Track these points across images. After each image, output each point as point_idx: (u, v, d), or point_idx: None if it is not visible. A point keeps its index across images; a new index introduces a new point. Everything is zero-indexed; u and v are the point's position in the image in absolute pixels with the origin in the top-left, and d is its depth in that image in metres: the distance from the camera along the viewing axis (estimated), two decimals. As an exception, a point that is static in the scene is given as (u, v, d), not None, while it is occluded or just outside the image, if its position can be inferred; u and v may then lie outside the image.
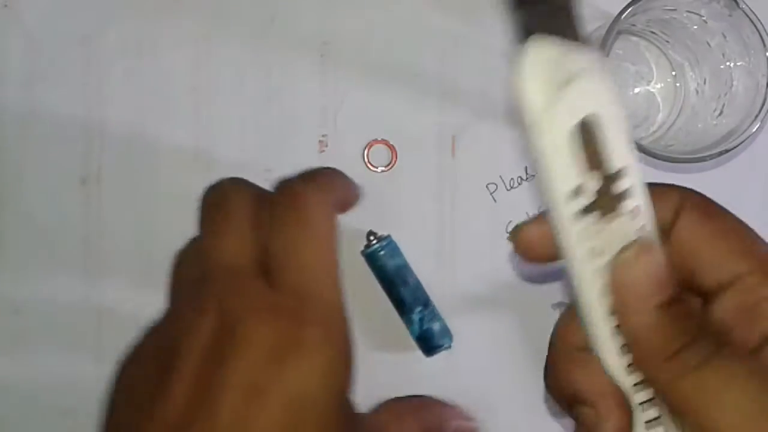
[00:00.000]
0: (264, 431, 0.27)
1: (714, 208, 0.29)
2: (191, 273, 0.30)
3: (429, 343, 0.39)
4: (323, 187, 0.31)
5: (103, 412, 0.29)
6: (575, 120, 0.23)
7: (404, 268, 0.39)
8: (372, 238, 0.39)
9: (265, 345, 0.27)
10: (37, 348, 0.39)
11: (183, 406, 0.27)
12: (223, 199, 0.31)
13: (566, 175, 0.23)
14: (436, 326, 0.39)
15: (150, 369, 0.29)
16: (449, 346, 0.40)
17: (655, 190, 0.27)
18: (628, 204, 0.24)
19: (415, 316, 0.39)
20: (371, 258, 0.39)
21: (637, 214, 0.25)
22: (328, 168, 0.34)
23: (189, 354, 0.28)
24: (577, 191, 0.24)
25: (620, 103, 0.23)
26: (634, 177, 0.24)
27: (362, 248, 0.39)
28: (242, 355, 0.27)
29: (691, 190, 0.29)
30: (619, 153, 0.24)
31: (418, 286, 0.39)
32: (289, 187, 0.31)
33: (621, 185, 0.24)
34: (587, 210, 0.24)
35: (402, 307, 0.39)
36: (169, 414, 0.27)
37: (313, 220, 0.30)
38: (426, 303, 0.39)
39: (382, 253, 0.39)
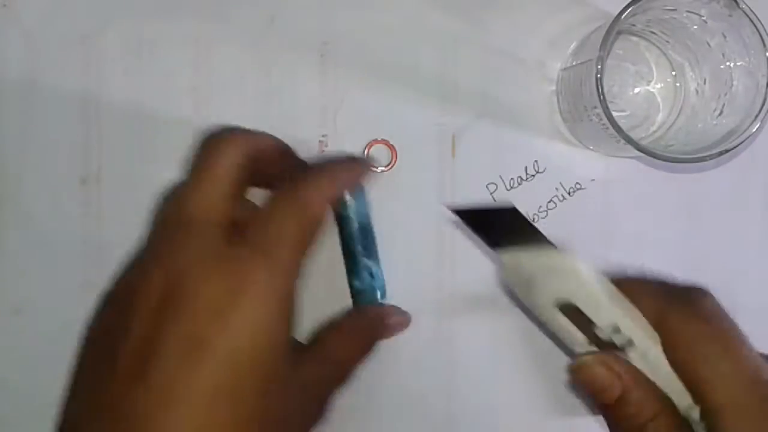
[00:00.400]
0: (205, 382, 0.28)
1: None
2: (166, 218, 0.32)
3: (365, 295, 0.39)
4: (324, 185, 0.33)
5: (76, 361, 0.31)
6: (551, 302, 0.29)
7: (366, 218, 0.39)
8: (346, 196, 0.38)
9: (208, 297, 0.29)
10: (37, 348, 0.39)
11: (132, 359, 0.29)
12: (213, 150, 0.32)
13: (571, 334, 0.30)
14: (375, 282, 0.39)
15: (111, 318, 0.31)
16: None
17: (642, 303, 0.31)
18: (618, 339, 0.30)
19: (363, 270, 0.39)
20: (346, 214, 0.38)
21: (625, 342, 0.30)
22: (336, 162, 0.35)
23: (140, 306, 0.29)
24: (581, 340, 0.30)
25: (591, 278, 0.30)
26: (622, 323, 0.30)
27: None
28: (185, 309, 0.29)
29: (677, 294, 0.32)
30: (604, 314, 0.29)
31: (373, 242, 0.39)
32: (293, 184, 0.32)
33: (613, 337, 0.30)
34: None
35: (353, 259, 0.39)
36: (121, 367, 0.29)
37: (304, 205, 0.31)
38: (369, 256, 0.39)
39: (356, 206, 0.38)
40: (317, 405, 0.33)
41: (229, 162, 0.32)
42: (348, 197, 0.38)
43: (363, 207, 0.38)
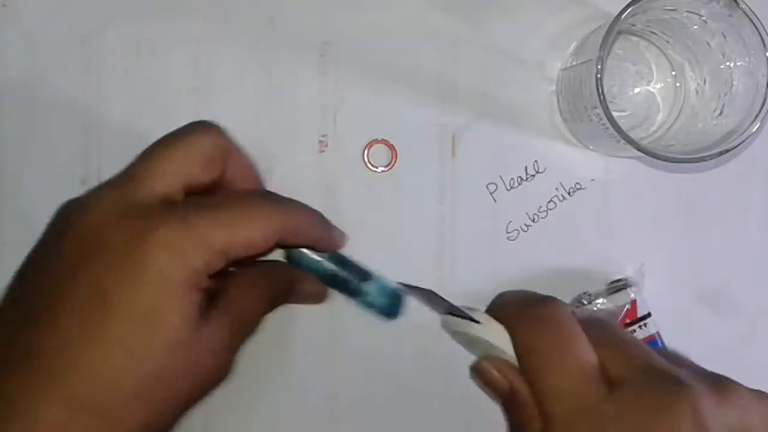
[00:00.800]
0: (99, 333, 0.29)
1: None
2: (121, 175, 0.33)
3: (396, 299, 0.39)
4: (285, 218, 0.33)
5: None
6: (479, 353, 0.36)
7: (335, 258, 0.38)
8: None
9: (117, 247, 0.29)
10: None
11: (36, 298, 0.30)
12: (186, 134, 0.33)
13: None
14: (390, 284, 0.39)
15: (36, 253, 0.32)
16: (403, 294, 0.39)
17: None
18: None
19: (371, 286, 0.38)
20: (307, 263, 0.38)
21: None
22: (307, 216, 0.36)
23: (62, 250, 0.30)
24: None
25: (495, 339, 0.34)
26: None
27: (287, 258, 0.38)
28: (96, 257, 0.29)
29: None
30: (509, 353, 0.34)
31: (356, 263, 0.39)
32: (264, 197, 0.35)
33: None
34: None
35: (353, 286, 0.38)
36: (23, 305, 0.30)
37: (254, 216, 0.32)
38: (368, 273, 0.39)
39: (316, 257, 0.38)
40: (223, 361, 0.33)
41: (198, 146, 0.33)
42: (306, 252, 0.37)
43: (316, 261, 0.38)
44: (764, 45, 0.34)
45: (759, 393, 0.32)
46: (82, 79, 0.40)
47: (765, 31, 0.34)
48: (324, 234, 0.37)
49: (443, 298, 0.35)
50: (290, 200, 0.35)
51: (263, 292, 0.35)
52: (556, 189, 0.41)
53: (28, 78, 0.40)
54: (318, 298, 0.39)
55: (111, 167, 0.40)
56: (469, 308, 0.35)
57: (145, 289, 0.29)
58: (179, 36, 0.40)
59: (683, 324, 0.41)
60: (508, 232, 0.41)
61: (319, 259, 0.37)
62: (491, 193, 0.41)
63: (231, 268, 0.33)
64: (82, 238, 0.30)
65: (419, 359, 0.40)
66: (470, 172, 0.41)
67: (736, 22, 0.35)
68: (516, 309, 0.34)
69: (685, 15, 0.36)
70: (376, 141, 0.40)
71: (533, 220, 0.41)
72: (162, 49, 0.40)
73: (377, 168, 0.40)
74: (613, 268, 0.41)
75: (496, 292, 0.40)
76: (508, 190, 0.41)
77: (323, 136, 0.40)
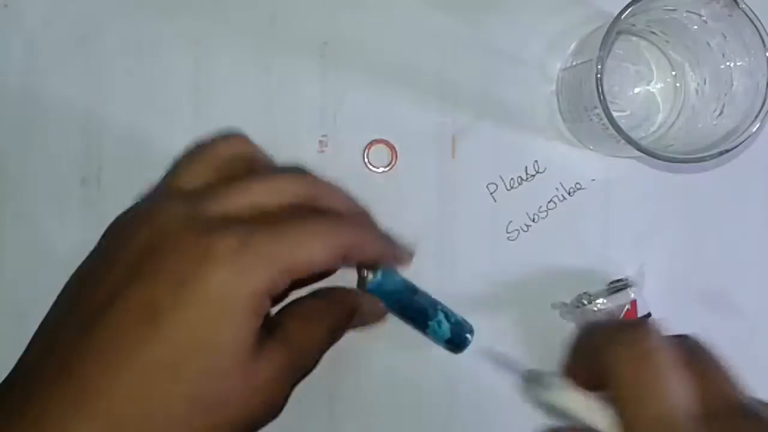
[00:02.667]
0: (146, 350, 0.27)
1: None
2: (175, 183, 0.32)
3: (462, 332, 0.39)
4: (352, 238, 0.32)
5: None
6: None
7: (405, 281, 0.38)
8: (364, 272, 0.37)
9: (176, 263, 0.28)
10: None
11: (88, 311, 0.28)
12: (209, 144, 0.33)
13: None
14: (458, 317, 0.39)
15: (92, 264, 0.31)
16: (472, 331, 0.39)
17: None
18: None
19: (440, 316, 0.38)
20: (376, 291, 0.37)
21: None
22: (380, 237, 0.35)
23: (117, 260, 0.29)
24: None
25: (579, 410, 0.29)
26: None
27: (359, 284, 0.37)
28: (154, 271, 0.28)
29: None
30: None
31: (424, 292, 0.39)
32: (326, 218, 0.32)
33: None
34: None
35: (423, 315, 0.38)
36: (76, 316, 0.29)
37: (315, 235, 0.30)
38: (436, 303, 0.39)
39: (381, 280, 0.37)
40: (276, 396, 0.31)
41: (219, 154, 0.33)
42: (370, 274, 0.36)
43: (392, 283, 0.37)
44: (764, 45, 0.34)
45: None
46: (82, 79, 0.40)
47: (765, 31, 0.34)
48: (388, 249, 0.35)
49: (514, 361, 0.33)
50: (355, 216, 0.34)
51: (323, 323, 0.33)
52: (556, 189, 0.41)
53: (29, 78, 0.40)
54: (379, 317, 0.37)
55: (111, 167, 0.40)
56: (544, 372, 0.32)
57: (201, 307, 0.27)
58: (179, 36, 0.40)
59: (683, 324, 0.41)
60: (508, 232, 0.41)
61: (383, 282, 0.37)
62: (491, 193, 0.41)
63: (290, 299, 0.32)
64: (140, 249, 0.29)
65: (420, 359, 0.40)
66: (470, 172, 0.41)
67: (736, 22, 0.34)
68: (606, 337, 0.29)
69: (685, 15, 0.36)
70: (376, 141, 0.40)
71: (533, 220, 0.41)
72: (162, 49, 0.40)
73: (377, 168, 0.40)
74: (613, 267, 0.41)
75: (496, 293, 0.40)
76: (508, 190, 0.41)
77: (323, 136, 0.40)
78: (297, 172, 0.33)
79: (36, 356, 0.29)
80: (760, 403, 0.29)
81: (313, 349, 0.33)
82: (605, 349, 0.28)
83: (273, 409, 0.31)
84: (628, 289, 0.39)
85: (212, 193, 0.30)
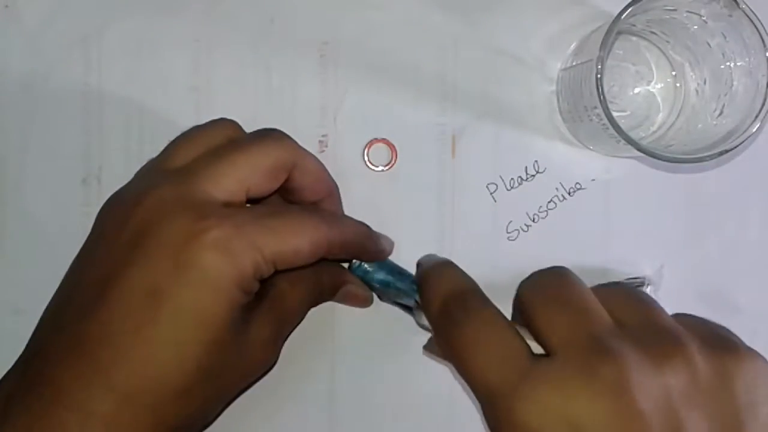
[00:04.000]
0: (153, 331, 0.29)
1: None
2: (169, 162, 0.33)
3: None
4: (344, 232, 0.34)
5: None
6: None
7: (395, 269, 0.38)
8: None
9: (172, 244, 0.30)
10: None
11: (91, 290, 0.30)
12: (198, 129, 0.35)
13: None
14: None
15: (89, 243, 0.33)
16: None
17: None
18: None
19: None
20: (362, 278, 0.38)
21: None
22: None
23: (112, 239, 0.31)
24: None
25: None
26: None
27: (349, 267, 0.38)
28: (150, 253, 0.30)
29: None
30: None
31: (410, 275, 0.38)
32: (322, 212, 0.35)
33: None
34: None
35: (405, 298, 0.38)
36: (79, 295, 0.31)
37: (312, 225, 0.32)
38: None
39: (367, 268, 0.38)
40: (268, 353, 0.34)
41: (216, 134, 0.34)
42: (356, 261, 0.37)
43: (378, 271, 0.38)
44: (764, 45, 0.34)
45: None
46: (82, 79, 0.40)
47: (765, 31, 0.34)
48: (371, 247, 0.37)
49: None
50: (341, 216, 0.36)
51: (308, 287, 0.36)
52: (556, 189, 0.41)
53: (30, 78, 0.40)
54: (364, 302, 0.39)
55: (112, 167, 0.40)
56: None
57: (195, 288, 0.29)
58: (179, 36, 0.40)
59: (683, 324, 0.41)
60: (508, 232, 0.41)
61: (369, 269, 0.38)
62: (491, 193, 0.41)
63: None
64: (136, 231, 0.30)
65: (420, 359, 0.40)
66: (470, 172, 0.41)
67: (736, 22, 0.34)
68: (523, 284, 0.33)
69: (685, 15, 0.36)
70: (376, 140, 0.40)
71: (533, 220, 0.41)
72: (162, 49, 0.40)
73: (377, 167, 0.40)
74: (614, 267, 0.41)
75: (496, 292, 0.40)
76: (508, 190, 0.41)
77: (323, 136, 0.40)
78: (275, 134, 0.34)
79: (45, 337, 0.31)
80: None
81: (299, 308, 0.36)
82: (520, 293, 0.32)
83: (268, 365, 0.35)
84: (645, 288, 0.39)
85: (202, 172, 0.32)
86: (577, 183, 0.41)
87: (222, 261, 0.30)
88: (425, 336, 0.40)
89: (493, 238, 0.40)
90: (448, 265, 0.35)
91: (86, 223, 0.40)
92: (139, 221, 0.30)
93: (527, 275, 0.32)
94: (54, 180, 0.40)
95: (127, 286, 0.30)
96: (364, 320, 0.40)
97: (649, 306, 0.31)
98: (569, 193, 0.41)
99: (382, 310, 0.40)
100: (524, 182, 0.41)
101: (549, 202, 0.41)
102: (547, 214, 0.41)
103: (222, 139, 0.34)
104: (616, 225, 0.41)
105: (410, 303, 0.37)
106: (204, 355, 0.30)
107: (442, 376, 0.40)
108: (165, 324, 0.29)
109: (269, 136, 0.34)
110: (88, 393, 0.29)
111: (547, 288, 0.31)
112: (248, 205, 0.33)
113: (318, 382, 0.40)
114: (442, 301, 0.32)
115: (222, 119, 0.35)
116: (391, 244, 0.39)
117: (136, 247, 0.30)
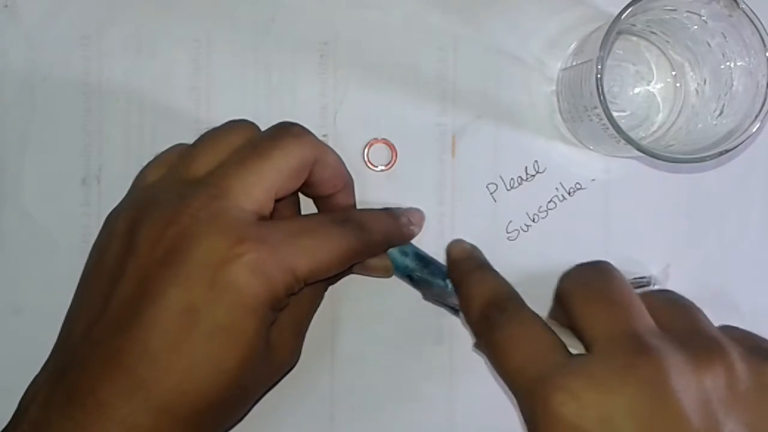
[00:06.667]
0: (188, 348, 0.30)
1: None
2: (166, 173, 0.34)
3: None
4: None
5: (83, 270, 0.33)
6: None
7: (418, 254, 0.39)
8: None
9: (206, 263, 0.30)
10: (37, 348, 0.39)
11: (124, 306, 0.31)
12: (218, 132, 0.35)
13: None
14: None
15: (115, 250, 0.32)
16: None
17: None
18: None
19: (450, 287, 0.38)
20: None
21: None
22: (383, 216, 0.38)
23: (143, 252, 0.31)
24: None
25: None
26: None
27: None
28: (184, 271, 0.30)
29: None
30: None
31: (438, 263, 0.39)
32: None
33: None
34: None
35: (430, 283, 0.38)
36: (113, 310, 0.31)
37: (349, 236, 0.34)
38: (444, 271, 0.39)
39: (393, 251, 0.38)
40: (293, 351, 0.36)
41: (233, 138, 0.34)
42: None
43: (401, 258, 0.38)
44: (764, 45, 0.34)
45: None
46: (82, 79, 0.40)
47: (765, 31, 0.34)
48: (397, 240, 0.38)
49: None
50: (367, 218, 0.36)
51: (326, 282, 0.37)
52: (556, 189, 0.41)
53: (29, 78, 0.40)
54: (385, 272, 0.39)
55: (111, 167, 0.40)
56: None
57: (230, 308, 0.30)
58: (179, 36, 0.40)
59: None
60: (508, 232, 0.41)
61: (398, 254, 0.38)
62: (491, 193, 0.41)
63: None
64: (172, 249, 0.31)
65: (420, 359, 0.40)
66: (470, 172, 0.41)
67: (736, 22, 0.34)
68: (565, 277, 0.34)
69: (685, 15, 0.36)
70: (376, 140, 0.40)
71: (533, 220, 0.41)
72: (162, 49, 0.40)
73: (377, 167, 0.40)
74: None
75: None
76: (508, 190, 0.41)
77: (323, 136, 0.40)
78: (294, 130, 0.34)
79: (79, 349, 0.31)
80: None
81: (318, 303, 0.38)
82: (562, 286, 0.32)
83: (292, 361, 0.36)
84: (650, 287, 0.39)
85: (232, 186, 0.32)
86: (577, 183, 0.41)
87: (257, 283, 0.30)
88: (428, 335, 0.40)
89: (493, 238, 0.40)
90: (485, 271, 0.36)
91: (86, 223, 0.40)
92: (174, 239, 0.31)
93: (568, 269, 0.33)
94: (54, 180, 0.40)
95: (164, 305, 0.30)
96: (364, 320, 0.40)
97: (692, 312, 0.31)
98: (569, 193, 0.41)
99: (382, 310, 0.40)
100: (524, 182, 0.41)
101: (549, 202, 0.41)
102: (547, 214, 0.41)
103: (242, 141, 0.34)
104: (615, 225, 0.41)
105: (451, 302, 0.38)
106: (237, 369, 0.31)
107: (442, 376, 0.40)
108: (201, 342, 0.30)
109: (289, 133, 0.34)
110: (130, 408, 0.29)
111: (590, 282, 0.32)
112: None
113: (318, 382, 0.40)
114: (481, 309, 0.33)
115: (239, 120, 0.35)
116: (421, 217, 0.39)
117: (172, 266, 0.30)
